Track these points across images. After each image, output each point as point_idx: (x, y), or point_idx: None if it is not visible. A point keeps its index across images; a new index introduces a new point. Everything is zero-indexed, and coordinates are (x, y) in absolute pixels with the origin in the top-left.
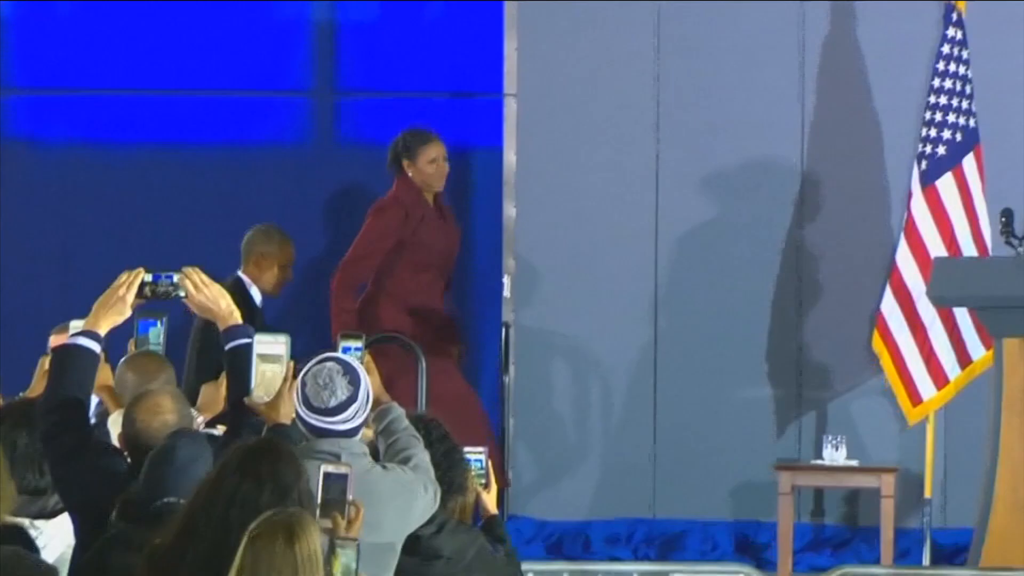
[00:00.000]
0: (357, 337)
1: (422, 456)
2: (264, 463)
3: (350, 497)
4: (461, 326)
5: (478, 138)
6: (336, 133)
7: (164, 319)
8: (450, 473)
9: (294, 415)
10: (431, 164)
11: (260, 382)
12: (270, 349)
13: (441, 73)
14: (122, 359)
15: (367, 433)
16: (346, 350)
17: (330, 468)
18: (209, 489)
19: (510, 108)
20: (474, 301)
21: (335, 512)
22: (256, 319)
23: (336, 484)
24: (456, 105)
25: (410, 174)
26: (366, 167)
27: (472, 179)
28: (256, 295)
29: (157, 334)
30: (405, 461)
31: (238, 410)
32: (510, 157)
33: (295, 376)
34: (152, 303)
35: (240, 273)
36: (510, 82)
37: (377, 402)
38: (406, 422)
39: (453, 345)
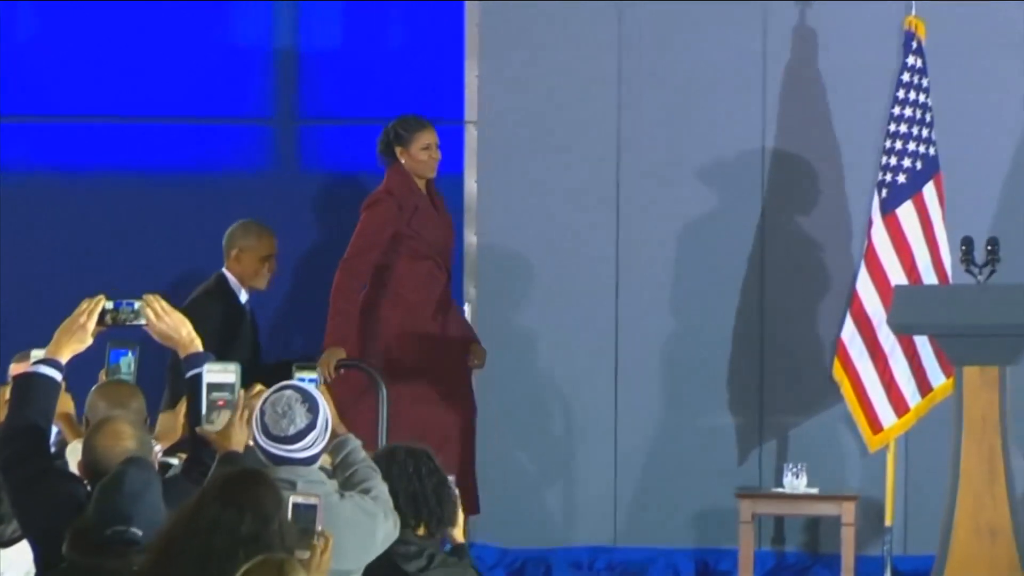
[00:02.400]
0: (311, 368)
1: (381, 487)
2: (246, 491)
3: (319, 528)
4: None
5: (439, 165)
6: (298, 161)
7: (136, 348)
8: (440, 507)
9: (246, 443)
10: (424, 151)
11: (210, 411)
12: (220, 378)
13: (402, 100)
14: (93, 387)
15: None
16: (300, 381)
17: (299, 499)
18: (190, 516)
19: (471, 135)
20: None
21: (305, 543)
22: (238, 316)
23: (305, 514)
24: None
25: (403, 161)
26: (328, 194)
27: None
28: (240, 291)
29: (128, 363)
30: (365, 492)
31: (199, 438)
32: (471, 184)
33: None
34: (118, 331)
35: (223, 270)
36: (471, 109)
37: (333, 434)
38: (363, 453)
39: (464, 347)
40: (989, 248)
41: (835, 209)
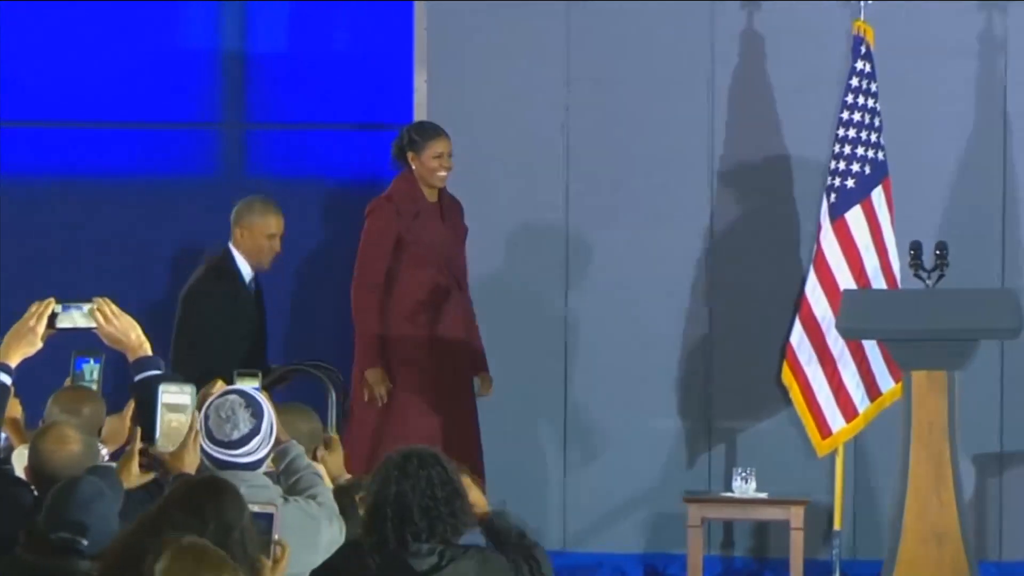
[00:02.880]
0: (253, 376)
1: (326, 493)
2: (208, 500)
3: (276, 536)
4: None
5: (387, 171)
6: (245, 166)
7: (101, 356)
8: (454, 517)
9: (199, 466)
10: (436, 159)
11: (165, 432)
12: (176, 399)
13: (351, 105)
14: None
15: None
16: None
17: (256, 508)
18: (151, 523)
19: None
20: None
21: (261, 552)
22: (241, 292)
23: (262, 524)
24: (366, 137)
25: (413, 167)
26: (275, 194)
27: None
28: (244, 267)
29: (91, 371)
30: (310, 499)
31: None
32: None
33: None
34: (82, 339)
35: (229, 245)
36: (420, 114)
37: (277, 441)
38: (307, 460)
39: (473, 370)
40: (938, 252)
41: (784, 213)
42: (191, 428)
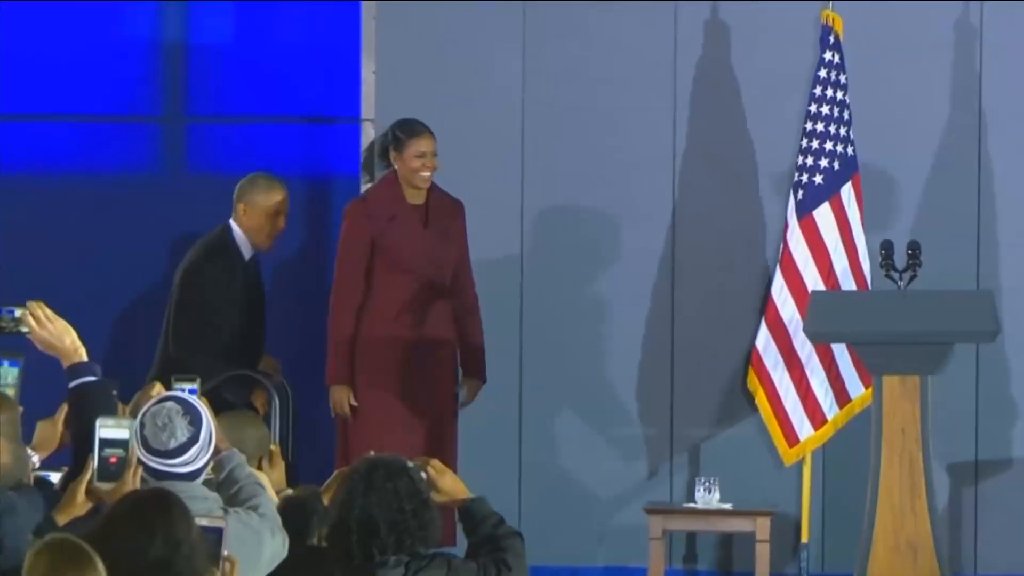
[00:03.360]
0: (191, 379)
1: (268, 505)
2: (155, 514)
3: (225, 552)
4: (472, 351)
5: (335, 166)
6: (185, 161)
7: (20, 359)
8: (423, 530)
9: None
10: (418, 159)
11: (102, 468)
12: (113, 433)
13: (296, 98)
14: None
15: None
16: (180, 392)
17: (205, 521)
18: (97, 538)
19: (368, 134)
20: (322, 342)
21: (211, 567)
22: (239, 272)
23: (211, 538)
24: (312, 131)
25: (396, 167)
26: (217, 195)
27: (328, 210)
28: (244, 246)
29: (7, 374)
30: (252, 510)
31: (79, 449)
32: (367, 185)
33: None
34: (4, 342)
35: (230, 221)
36: (368, 107)
37: (216, 449)
38: (248, 469)
39: (451, 371)
40: (910, 252)
41: (749, 211)
42: (130, 463)
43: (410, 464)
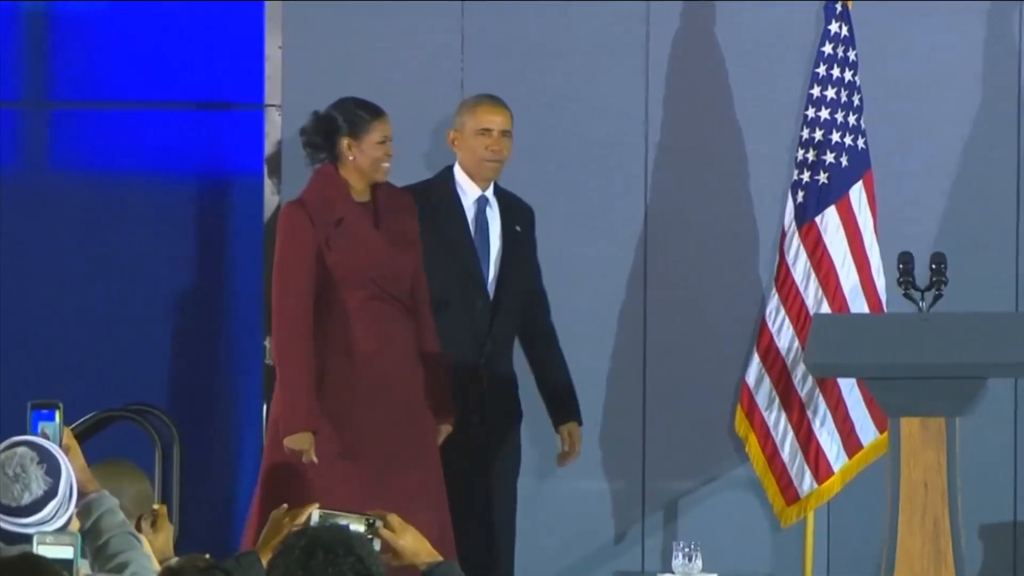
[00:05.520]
0: (51, 404)
1: (141, 562)
2: None
3: None
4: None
5: (233, 159)
6: (48, 152)
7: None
8: None
9: None
10: (380, 146)
11: None
12: (56, 552)
13: (186, 79)
14: None
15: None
16: (37, 418)
17: None
18: None
19: (273, 122)
20: (228, 366)
21: None
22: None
23: None
24: (206, 119)
25: (351, 157)
26: (87, 195)
27: (225, 209)
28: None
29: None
30: (119, 569)
31: None
32: (273, 182)
33: None
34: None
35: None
36: (272, 90)
37: (82, 492)
38: (121, 516)
39: (421, 409)
40: (934, 267)
41: (738, 218)
42: None
43: (362, 524)
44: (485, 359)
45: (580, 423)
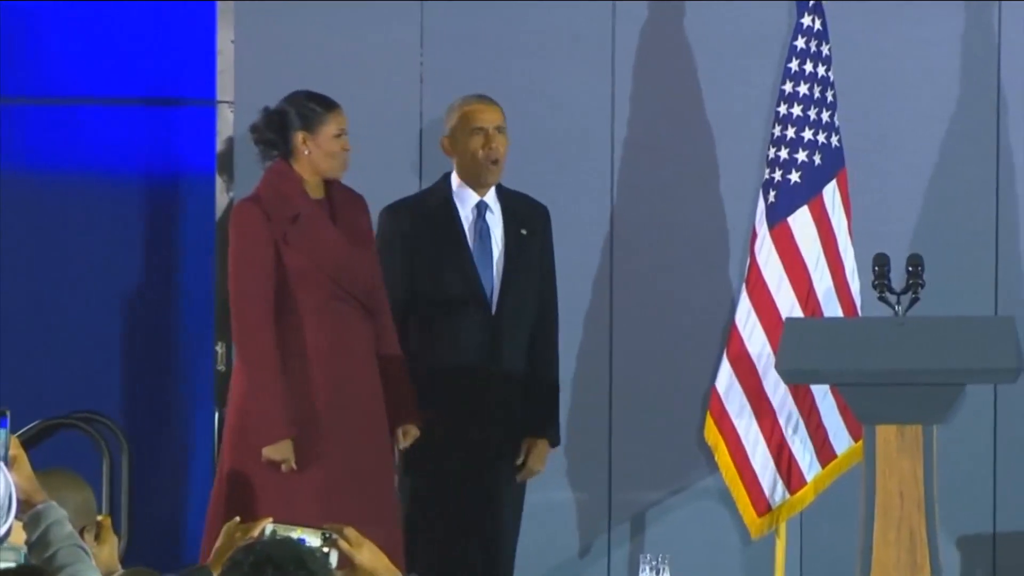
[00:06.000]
0: None
1: (89, 574)
2: None
3: None
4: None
5: (184, 157)
6: None
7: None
8: None
9: None
10: (336, 140)
11: None
12: None
13: (134, 74)
14: None
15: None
16: None
17: None
18: None
19: (225, 119)
20: (179, 372)
21: None
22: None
23: None
24: (155, 115)
25: (306, 152)
26: (27, 196)
27: (175, 209)
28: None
29: None
30: None
31: None
32: (224, 181)
33: None
34: None
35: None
36: (224, 86)
37: (28, 502)
38: (69, 528)
39: (379, 417)
40: (910, 269)
41: (707, 219)
42: None
43: (318, 538)
44: (490, 370)
45: (551, 442)
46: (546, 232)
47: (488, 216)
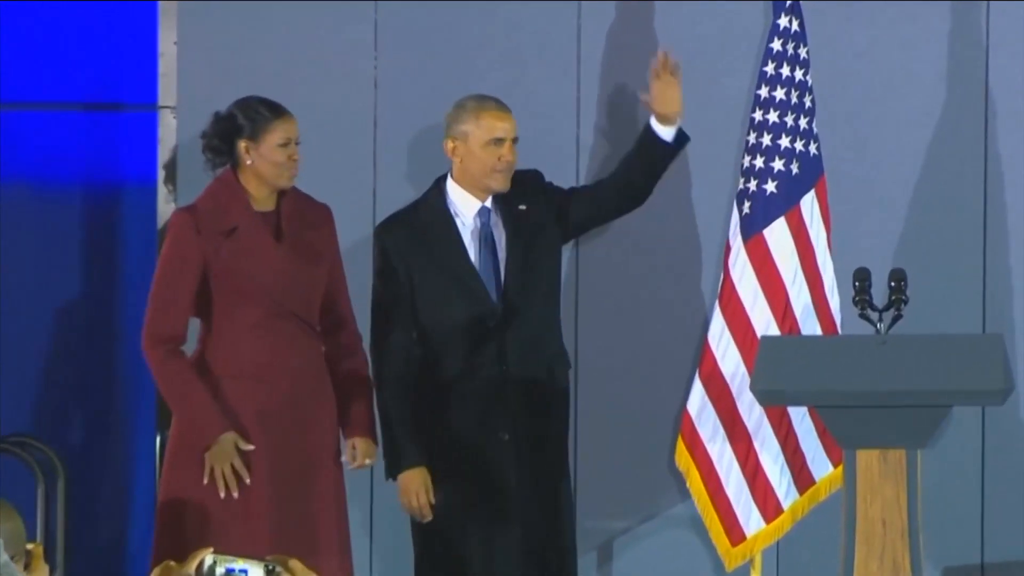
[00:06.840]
0: None
1: None
2: None
3: None
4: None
5: (124, 164)
6: None
7: None
8: None
9: None
10: (282, 149)
11: None
12: None
13: (72, 78)
14: None
15: None
16: None
17: None
18: None
19: (167, 125)
20: (119, 393)
21: None
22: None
23: None
24: (94, 120)
25: (248, 162)
26: None
27: (116, 218)
28: None
29: None
30: None
31: None
32: (167, 189)
33: None
34: None
35: None
36: (167, 90)
37: None
38: (4, 556)
39: (323, 433)
40: (893, 284)
41: (678, 230)
42: None
43: (261, 570)
44: (507, 376)
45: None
46: (543, 192)
47: (492, 220)
